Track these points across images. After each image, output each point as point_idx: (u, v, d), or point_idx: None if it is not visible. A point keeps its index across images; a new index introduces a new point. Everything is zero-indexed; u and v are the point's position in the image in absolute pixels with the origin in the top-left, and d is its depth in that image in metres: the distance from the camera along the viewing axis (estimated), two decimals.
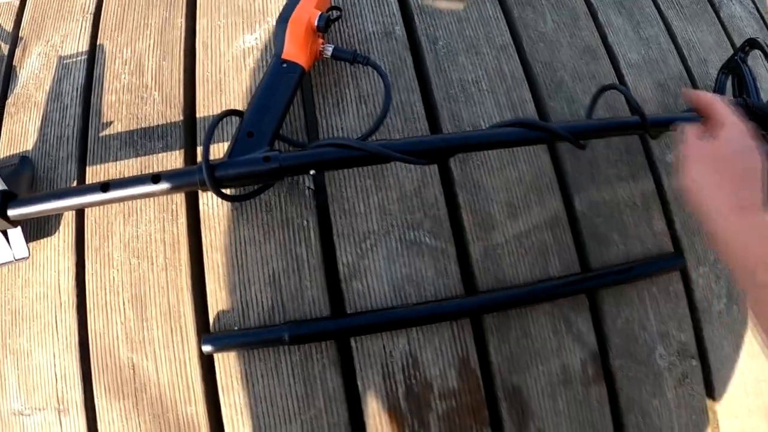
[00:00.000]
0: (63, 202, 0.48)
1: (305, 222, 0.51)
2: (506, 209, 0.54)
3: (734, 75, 0.62)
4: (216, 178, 0.45)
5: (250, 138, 0.48)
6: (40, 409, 0.51)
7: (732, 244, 0.38)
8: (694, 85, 0.65)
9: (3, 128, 0.60)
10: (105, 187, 0.47)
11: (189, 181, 0.47)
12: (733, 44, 0.70)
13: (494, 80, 0.57)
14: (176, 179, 0.47)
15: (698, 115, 0.55)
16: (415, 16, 0.60)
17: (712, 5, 0.72)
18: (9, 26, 0.65)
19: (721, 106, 0.45)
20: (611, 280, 0.54)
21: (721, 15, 0.71)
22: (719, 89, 0.63)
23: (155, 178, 0.47)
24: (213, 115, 0.55)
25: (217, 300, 0.50)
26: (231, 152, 0.47)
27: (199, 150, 0.55)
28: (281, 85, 0.50)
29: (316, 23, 0.51)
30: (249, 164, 0.46)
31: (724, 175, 0.40)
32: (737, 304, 0.60)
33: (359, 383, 0.49)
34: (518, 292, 0.51)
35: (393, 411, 0.48)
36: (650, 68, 0.64)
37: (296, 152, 0.46)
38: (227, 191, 0.49)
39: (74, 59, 0.61)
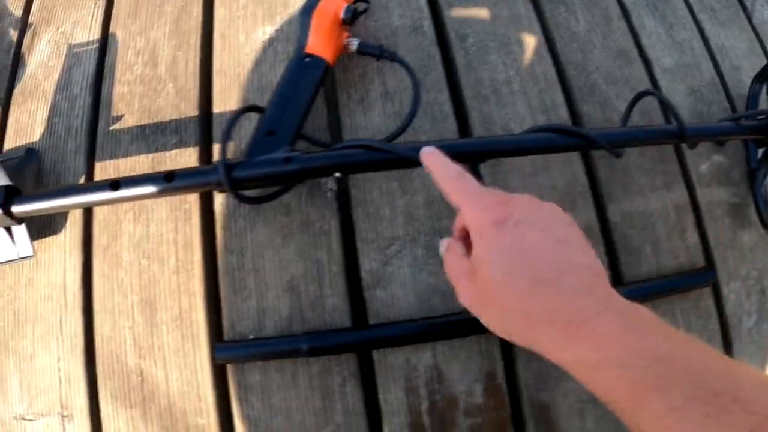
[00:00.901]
0: (70, 199, 0.45)
1: (326, 225, 0.49)
2: None
3: None
4: (233, 179, 0.43)
5: (270, 137, 0.45)
6: (43, 414, 0.49)
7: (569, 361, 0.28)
8: (727, 93, 0.62)
9: (10, 117, 0.57)
10: (115, 185, 0.44)
11: (205, 181, 0.44)
12: (765, 52, 0.67)
13: (526, 81, 0.55)
14: (191, 178, 0.44)
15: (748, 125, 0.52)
16: (444, 11, 0.57)
17: (744, 10, 0.69)
18: (18, 11, 0.63)
19: (461, 197, 0.32)
20: (645, 293, 0.52)
21: (753, 21, 0.69)
22: (752, 99, 0.61)
23: (169, 176, 0.44)
24: (230, 111, 0.53)
25: (232, 306, 0.48)
26: (250, 151, 0.45)
27: (215, 147, 0.52)
28: (304, 80, 0.47)
29: (342, 16, 0.49)
30: (269, 165, 0.43)
31: (505, 306, 0.29)
32: (767, 320, 0.58)
33: (380, 398, 0.46)
34: None
35: (415, 427, 0.46)
36: (683, 74, 0.61)
37: (320, 153, 0.44)
38: (245, 193, 0.46)
39: (85, 47, 0.58)
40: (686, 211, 0.56)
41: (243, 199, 0.45)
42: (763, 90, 0.61)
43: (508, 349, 0.49)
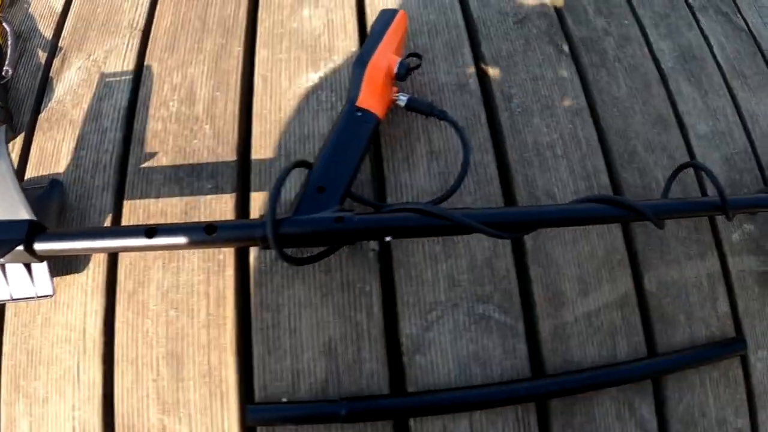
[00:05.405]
0: (99, 242, 0.43)
1: (367, 287, 0.47)
2: (577, 286, 0.51)
3: None
4: (281, 236, 0.41)
5: (320, 194, 0.44)
6: None
7: None
8: (758, 160, 0.63)
9: (34, 144, 0.55)
10: (151, 232, 0.42)
11: (247, 236, 0.42)
12: None
13: (569, 146, 0.55)
14: (233, 232, 0.43)
15: None
16: (490, 70, 0.57)
17: None
18: (48, 33, 0.60)
19: None
20: (677, 365, 0.52)
21: None
22: None
23: (210, 228, 0.42)
24: (270, 158, 0.51)
25: (265, 366, 0.46)
26: (298, 208, 0.43)
27: (253, 196, 0.50)
28: (355, 136, 0.46)
29: (395, 71, 0.48)
30: (319, 224, 0.42)
31: None
32: None
33: None
34: (587, 376, 0.48)
35: None
36: (718, 141, 0.62)
37: (372, 215, 0.42)
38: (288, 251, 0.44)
39: (118, 78, 0.56)
40: (718, 280, 0.56)
41: (288, 259, 0.43)
42: None
43: (544, 416, 0.48)
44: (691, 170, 0.59)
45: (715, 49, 0.68)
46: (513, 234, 0.43)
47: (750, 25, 0.73)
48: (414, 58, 0.52)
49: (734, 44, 0.70)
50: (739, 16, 0.73)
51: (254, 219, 0.43)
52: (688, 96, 0.63)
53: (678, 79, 0.63)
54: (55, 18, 0.60)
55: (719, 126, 0.63)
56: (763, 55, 0.71)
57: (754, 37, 0.72)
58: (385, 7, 0.54)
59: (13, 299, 0.47)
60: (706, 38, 0.69)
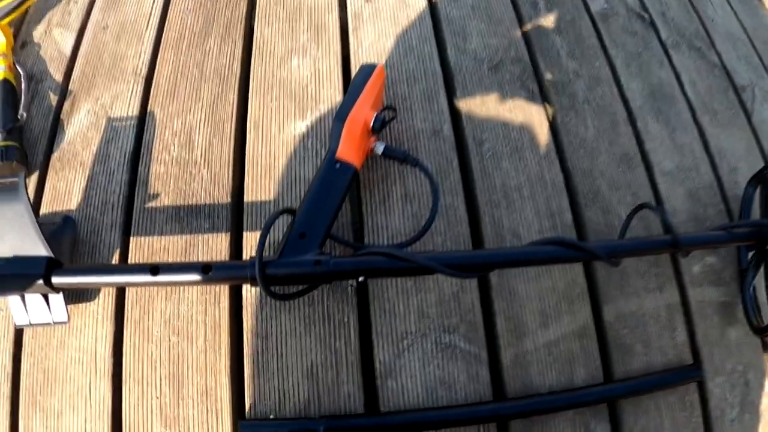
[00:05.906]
0: (109, 278, 0.49)
1: (346, 318, 0.53)
2: (539, 318, 0.55)
3: (763, 188, 0.64)
4: (267, 276, 0.47)
5: (302, 239, 0.49)
6: None
7: None
8: (723, 195, 0.67)
9: (47, 183, 0.61)
10: (154, 270, 0.48)
11: (239, 275, 0.48)
12: (762, 151, 0.71)
13: (536, 187, 0.59)
14: (226, 272, 0.48)
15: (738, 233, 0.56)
16: (463, 115, 0.62)
17: (745, 110, 0.74)
18: (59, 76, 0.66)
19: None
20: (632, 390, 0.56)
21: (753, 120, 0.73)
22: (746, 202, 0.66)
23: (206, 268, 0.48)
24: (261, 201, 0.57)
25: (255, 386, 0.52)
26: (282, 251, 0.49)
27: (246, 236, 0.56)
28: (334, 185, 0.51)
29: (372, 125, 0.53)
30: (300, 266, 0.47)
31: None
32: (749, 412, 0.62)
33: None
34: (545, 400, 0.53)
35: None
36: (683, 177, 0.66)
37: (346, 258, 0.48)
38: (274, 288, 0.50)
39: (123, 122, 0.62)
40: (677, 310, 0.61)
41: (274, 296, 0.49)
42: (757, 193, 0.66)
43: None
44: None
45: (686, 86, 0.71)
46: (473, 274, 0.49)
47: (724, 60, 0.76)
48: (390, 112, 0.57)
49: (706, 80, 0.73)
50: (713, 50, 0.76)
51: (244, 261, 0.49)
52: (655, 134, 0.67)
53: (646, 118, 0.67)
54: (65, 62, 0.66)
55: (685, 162, 0.67)
56: (735, 90, 0.74)
57: (728, 72, 0.75)
58: (368, 59, 0.59)
59: (32, 324, 0.54)
60: (677, 75, 0.72)
